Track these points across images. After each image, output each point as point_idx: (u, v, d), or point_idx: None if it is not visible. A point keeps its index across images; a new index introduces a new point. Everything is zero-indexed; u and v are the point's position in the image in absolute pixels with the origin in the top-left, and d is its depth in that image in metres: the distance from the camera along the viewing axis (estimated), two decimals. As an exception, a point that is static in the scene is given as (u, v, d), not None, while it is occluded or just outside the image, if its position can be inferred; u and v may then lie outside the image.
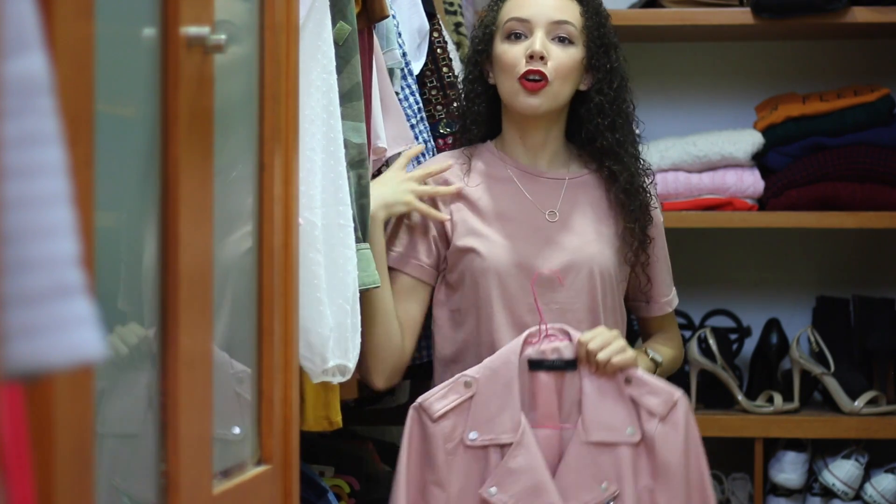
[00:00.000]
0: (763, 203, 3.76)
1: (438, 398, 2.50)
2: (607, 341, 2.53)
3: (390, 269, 2.67)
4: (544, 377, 2.51)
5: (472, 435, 2.49)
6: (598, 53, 2.68)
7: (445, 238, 2.69)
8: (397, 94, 2.78)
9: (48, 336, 1.04)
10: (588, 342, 2.52)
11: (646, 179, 2.75)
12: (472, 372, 2.51)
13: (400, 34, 2.80)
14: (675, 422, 2.52)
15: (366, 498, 2.86)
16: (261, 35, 1.95)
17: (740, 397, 3.74)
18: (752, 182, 3.73)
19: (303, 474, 2.38)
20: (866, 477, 3.68)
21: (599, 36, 2.68)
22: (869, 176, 3.69)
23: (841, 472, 3.65)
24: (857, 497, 3.67)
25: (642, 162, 2.77)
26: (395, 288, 2.67)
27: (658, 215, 2.79)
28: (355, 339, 2.31)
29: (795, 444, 3.72)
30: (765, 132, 3.76)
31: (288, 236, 2.01)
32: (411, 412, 2.51)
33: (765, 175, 3.75)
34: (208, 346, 1.70)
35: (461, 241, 2.67)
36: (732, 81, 4.03)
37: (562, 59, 2.64)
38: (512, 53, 2.65)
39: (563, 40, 2.66)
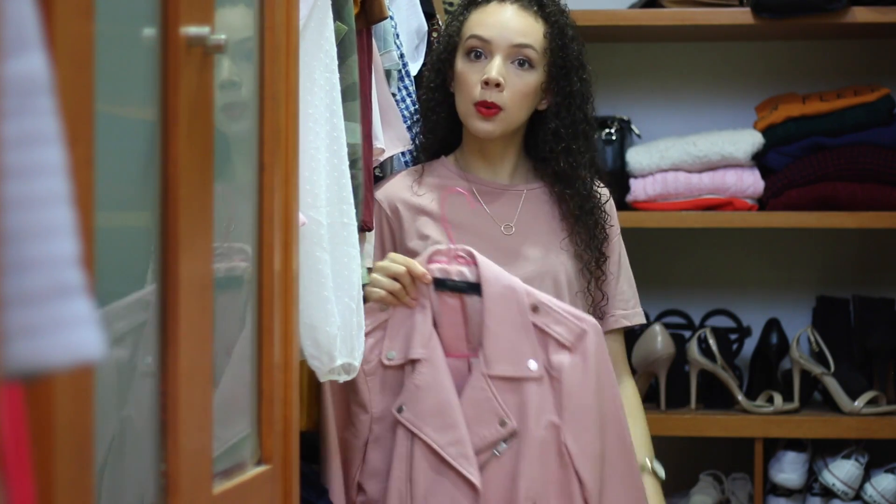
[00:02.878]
0: (763, 203, 3.76)
1: None
2: None
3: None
4: (451, 301, 2.46)
5: (391, 354, 2.46)
6: (558, 76, 2.65)
7: (394, 244, 2.68)
8: (394, 95, 2.78)
9: (48, 336, 1.04)
10: None
11: (600, 200, 2.71)
12: None
13: (398, 35, 2.80)
14: (584, 352, 2.42)
15: (366, 498, 2.86)
16: (261, 35, 1.95)
17: (740, 397, 3.74)
18: (752, 182, 3.74)
19: (303, 474, 2.38)
20: (866, 477, 3.69)
21: (562, 58, 2.65)
22: (869, 176, 3.69)
23: (841, 472, 3.65)
24: (857, 497, 3.67)
25: (597, 185, 2.72)
26: None
27: (614, 233, 2.74)
28: (360, 337, 2.32)
29: (795, 444, 3.73)
30: (765, 132, 3.76)
31: (288, 236, 2.01)
32: None
33: (765, 175, 3.76)
34: (208, 346, 1.70)
35: (413, 244, 2.65)
36: (732, 81, 4.04)
37: (518, 86, 2.62)
38: (468, 76, 2.63)
39: (523, 64, 2.63)
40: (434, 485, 2.42)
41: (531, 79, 2.63)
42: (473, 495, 2.41)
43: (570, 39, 2.68)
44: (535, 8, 2.66)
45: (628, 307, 2.74)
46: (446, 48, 2.70)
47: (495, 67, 2.60)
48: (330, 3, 2.29)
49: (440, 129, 2.73)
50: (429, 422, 2.42)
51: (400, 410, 2.44)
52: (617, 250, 2.74)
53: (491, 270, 2.45)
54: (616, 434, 2.46)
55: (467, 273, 2.46)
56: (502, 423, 2.41)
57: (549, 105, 2.68)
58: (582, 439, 2.41)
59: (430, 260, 2.48)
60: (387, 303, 2.47)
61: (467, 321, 2.47)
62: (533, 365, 2.41)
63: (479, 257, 2.46)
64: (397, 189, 2.70)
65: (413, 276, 2.47)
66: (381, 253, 2.66)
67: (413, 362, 2.45)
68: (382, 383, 2.46)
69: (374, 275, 2.48)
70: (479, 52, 2.64)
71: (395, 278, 2.47)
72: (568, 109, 2.66)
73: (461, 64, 2.66)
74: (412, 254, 2.60)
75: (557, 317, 2.43)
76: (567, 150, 2.66)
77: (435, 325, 2.47)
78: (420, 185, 2.70)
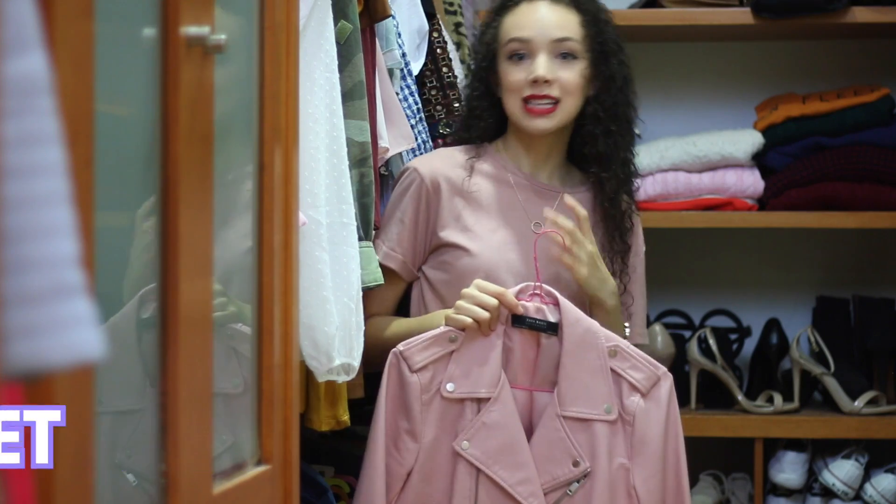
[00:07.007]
0: (763, 203, 3.76)
1: (420, 349, 2.46)
2: (579, 240, 2.55)
3: (387, 268, 2.66)
4: (524, 335, 2.48)
5: (450, 386, 2.45)
6: (598, 62, 2.68)
7: (430, 230, 2.68)
8: (397, 94, 2.78)
9: (48, 336, 1.04)
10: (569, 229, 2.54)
11: (634, 186, 2.76)
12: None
13: (399, 34, 2.80)
14: (658, 399, 2.47)
15: (366, 498, 2.85)
16: (261, 35, 1.95)
17: (740, 397, 3.74)
18: (752, 182, 3.74)
19: (303, 474, 2.38)
20: (866, 477, 3.69)
21: (600, 43, 2.68)
22: (869, 176, 3.69)
23: (841, 472, 3.65)
24: (857, 497, 3.67)
25: (633, 169, 2.75)
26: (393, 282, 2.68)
27: (641, 250, 2.79)
28: (359, 338, 2.32)
29: (795, 444, 3.73)
30: (765, 132, 3.76)
31: (288, 236, 2.01)
32: (391, 357, 2.47)
33: (765, 175, 3.76)
34: (209, 346, 1.70)
35: (450, 234, 2.65)
36: (732, 81, 4.04)
37: (568, 78, 2.64)
38: (514, 76, 2.65)
39: (567, 56, 2.65)
40: None
41: (577, 69, 2.66)
42: None
43: (605, 24, 2.72)
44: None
45: (638, 327, 2.79)
46: (486, 56, 2.71)
47: (541, 65, 2.63)
48: (330, 3, 2.30)
49: (490, 132, 2.75)
50: (498, 460, 2.44)
51: (464, 446, 2.45)
52: (640, 270, 2.80)
53: (573, 313, 2.48)
54: (674, 482, 2.51)
55: (547, 312, 2.49)
56: (575, 464, 2.45)
57: (595, 91, 2.70)
58: (650, 483, 2.47)
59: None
60: (467, 330, 2.46)
61: (538, 357, 2.49)
62: (608, 408, 2.46)
63: (562, 300, 2.49)
64: (445, 166, 2.71)
65: (505, 306, 2.47)
66: (402, 226, 2.66)
67: (479, 400, 2.46)
68: (438, 414, 2.46)
69: (462, 302, 2.48)
70: (522, 53, 2.65)
71: (483, 307, 2.46)
72: (608, 92, 2.68)
73: (505, 67, 2.67)
74: (441, 241, 2.62)
75: (635, 362, 2.48)
76: (607, 131, 2.68)
77: (503, 356, 2.49)
78: (468, 164, 2.70)
